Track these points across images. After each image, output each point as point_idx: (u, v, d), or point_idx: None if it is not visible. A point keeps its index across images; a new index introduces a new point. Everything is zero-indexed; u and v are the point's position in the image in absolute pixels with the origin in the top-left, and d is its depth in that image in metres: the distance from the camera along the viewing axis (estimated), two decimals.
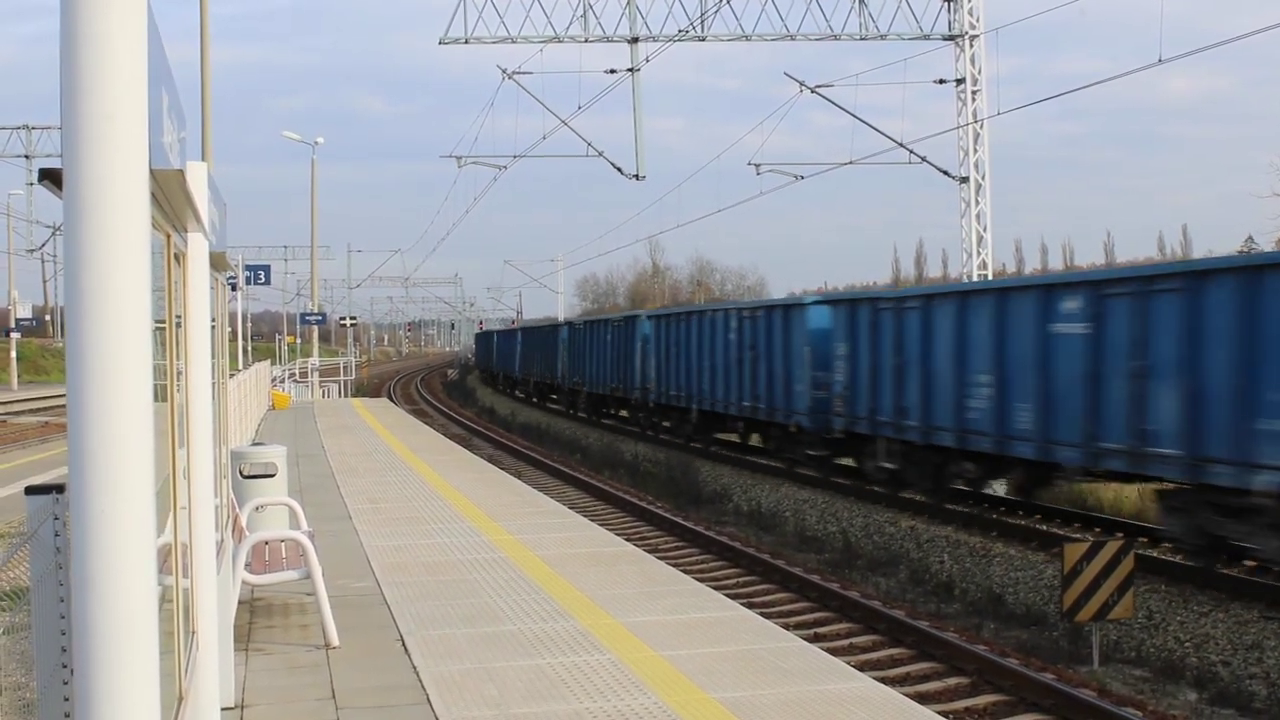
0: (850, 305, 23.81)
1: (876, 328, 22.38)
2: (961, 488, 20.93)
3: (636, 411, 38.68)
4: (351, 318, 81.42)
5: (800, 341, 25.47)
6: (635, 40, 35.12)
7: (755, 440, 30.46)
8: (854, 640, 13.55)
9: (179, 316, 5.03)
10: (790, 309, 26.71)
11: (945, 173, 35.06)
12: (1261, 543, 13.96)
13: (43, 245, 77.98)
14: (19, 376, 67.08)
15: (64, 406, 2.66)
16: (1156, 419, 15.24)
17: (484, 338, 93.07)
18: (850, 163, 35.03)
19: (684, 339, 32.95)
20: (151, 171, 2.70)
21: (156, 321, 3.81)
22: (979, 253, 34.80)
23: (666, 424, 35.27)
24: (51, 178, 2.92)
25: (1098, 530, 18.01)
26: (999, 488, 22.42)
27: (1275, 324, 13.49)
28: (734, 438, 31.48)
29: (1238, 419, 13.94)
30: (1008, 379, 18.46)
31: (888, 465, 22.14)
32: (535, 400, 58.65)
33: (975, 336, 19.34)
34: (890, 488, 22.19)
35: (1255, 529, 14.01)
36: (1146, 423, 15.38)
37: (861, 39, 35.57)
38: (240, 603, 9.54)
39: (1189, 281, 14.96)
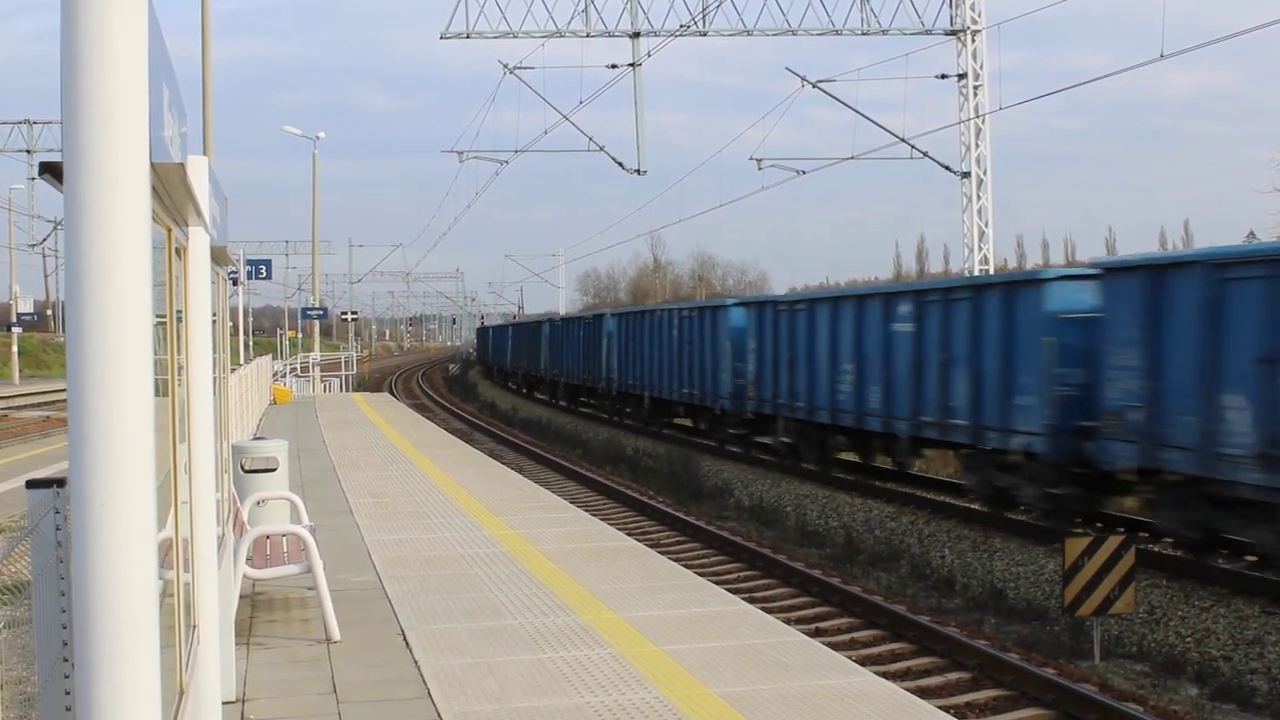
0: (759, 307, 28.62)
1: (776, 326, 27.02)
2: (850, 459, 25.47)
3: (603, 399, 43.18)
4: (353, 312, 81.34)
5: (724, 337, 30.05)
6: (637, 35, 35.10)
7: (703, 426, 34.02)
8: (855, 635, 13.55)
9: (180, 311, 5.03)
10: (716, 310, 31.46)
11: (947, 168, 35.05)
12: (1021, 491, 18.31)
13: (44, 240, 77.98)
14: (20, 371, 67.11)
15: (65, 401, 2.66)
16: (955, 397, 19.92)
17: (483, 333, 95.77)
18: (852, 158, 35.05)
19: (639, 335, 37.57)
20: (152, 165, 2.69)
21: (157, 316, 3.81)
22: (980, 248, 34.80)
23: (628, 410, 39.43)
24: (52, 171, 2.91)
25: (1099, 525, 18.02)
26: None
27: (1024, 326, 18.16)
28: (688, 422, 35.22)
29: (1002, 396, 18.59)
30: (864, 367, 23.04)
31: (785, 440, 26.61)
32: (525, 391, 61.67)
33: (843, 334, 23.96)
34: (791, 459, 26.42)
35: (1018, 480, 18.29)
36: (949, 400, 20.07)
37: (863, 34, 35.55)
38: (241, 597, 9.55)
39: (974, 293, 19.67)
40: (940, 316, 20.44)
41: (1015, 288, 18.80)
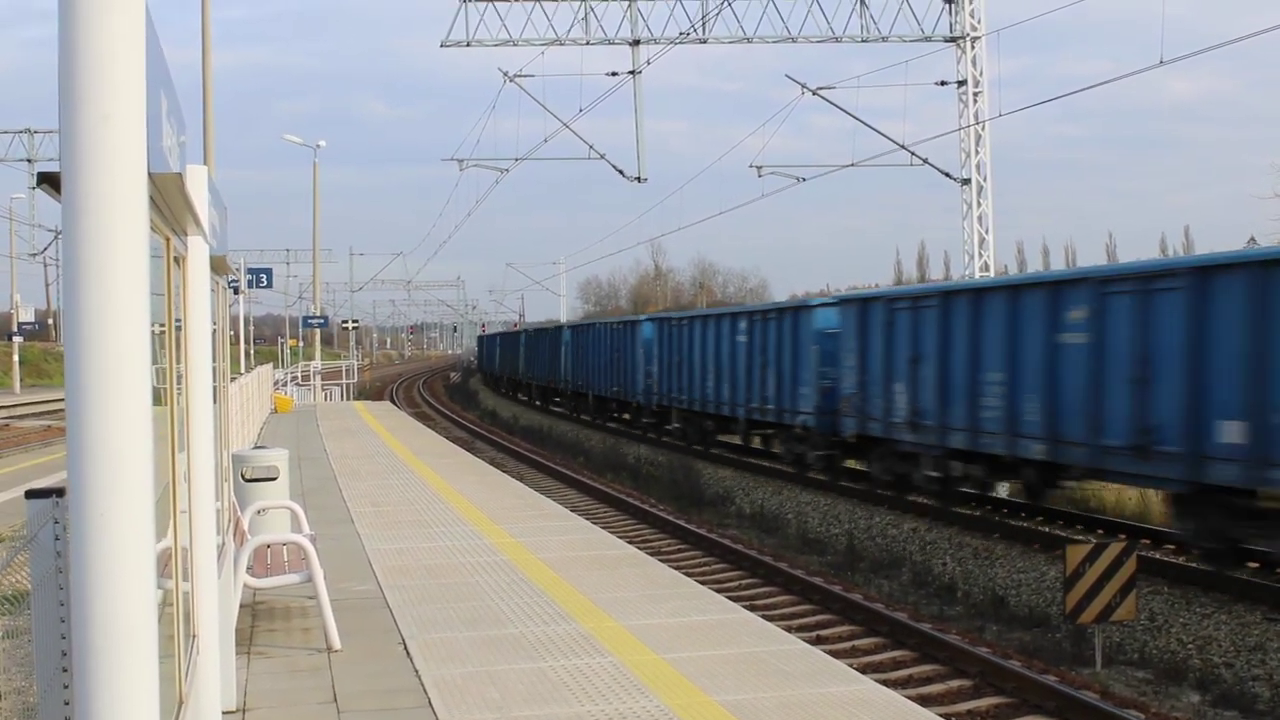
0: (659, 322, 36.95)
1: (671, 337, 34.61)
2: (731, 441, 32.18)
3: (562, 397, 51.77)
4: (354, 321, 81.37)
5: (639, 346, 37.86)
6: (637, 43, 35.12)
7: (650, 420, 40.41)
8: (856, 643, 13.53)
9: (179, 320, 5.03)
10: (634, 324, 39.35)
11: (947, 174, 35.05)
12: (807, 455, 25.32)
13: (45, 249, 78.10)
14: (21, 380, 67.16)
15: (65, 410, 2.66)
16: (768, 389, 27.29)
17: (482, 341, 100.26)
18: (852, 165, 35.03)
19: (586, 344, 45.77)
20: (150, 175, 2.69)
21: (156, 325, 3.81)
22: (980, 255, 34.80)
23: (581, 406, 47.28)
24: (50, 181, 2.92)
25: (1100, 532, 18.03)
26: (1001, 489, 22.41)
27: (803, 338, 25.64)
28: (627, 416, 41.68)
29: (793, 388, 26.00)
30: (720, 369, 30.56)
31: (678, 425, 34.30)
32: (510, 394, 67.66)
33: (708, 344, 31.59)
34: (684, 441, 33.63)
35: (805, 448, 25.39)
36: (765, 391, 27.43)
37: (863, 41, 35.55)
38: (242, 606, 9.54)
39: (778, 315, 27.29)
40: (761, 331, 27.87)
41: (799, 311, 26.61)
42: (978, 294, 19.51)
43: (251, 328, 78.71)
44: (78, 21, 2.54)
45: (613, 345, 41.43)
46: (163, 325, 4.33)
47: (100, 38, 2.54)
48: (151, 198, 2.94)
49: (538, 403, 57.71)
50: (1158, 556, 16.00)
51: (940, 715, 7.59)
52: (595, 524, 16.33)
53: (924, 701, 10.66)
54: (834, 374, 23.92)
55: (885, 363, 21.73)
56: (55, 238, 73.26)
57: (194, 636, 5.32)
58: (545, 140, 38.45)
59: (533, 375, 59.05)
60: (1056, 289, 17.37)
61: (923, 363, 20.55)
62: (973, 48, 34.59)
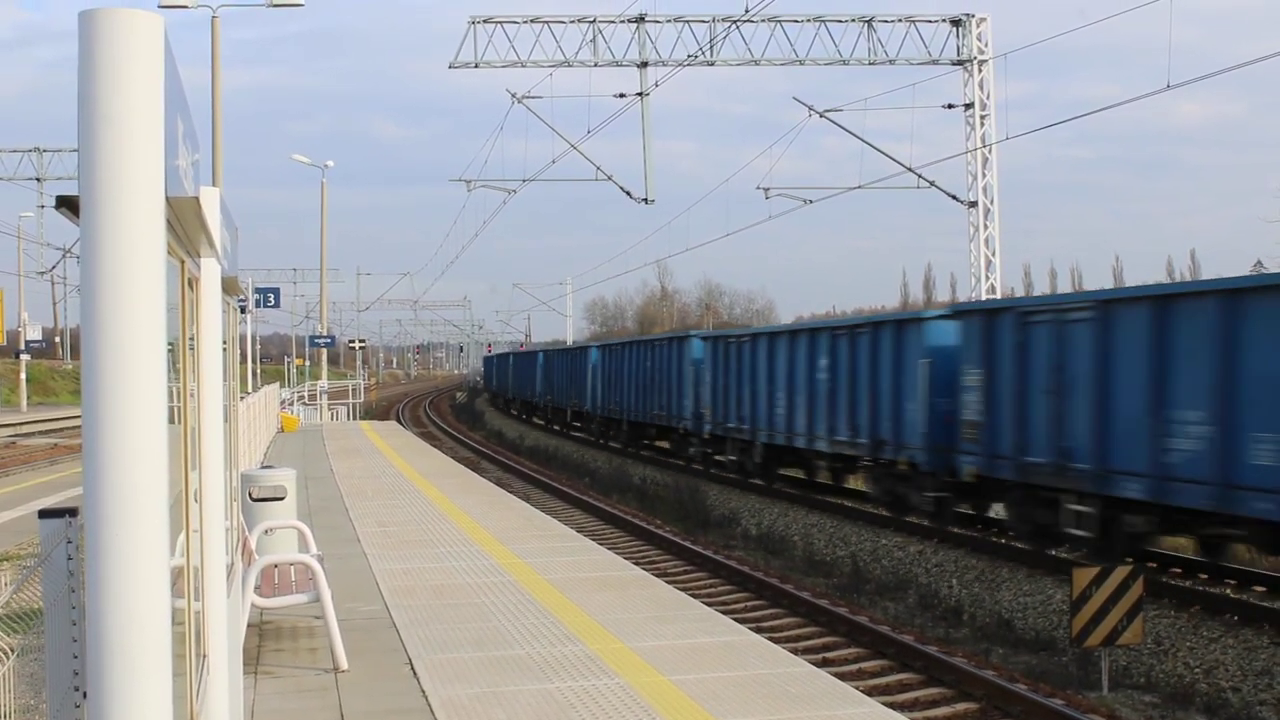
0: (546, 353, 58.56)
1: (557, 360, 53.32)
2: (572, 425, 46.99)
3: (506, 402, 74.77)
4: (360, 340, 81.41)
5: (539, 366, 58.33)
6: (645, 65, 35.22)
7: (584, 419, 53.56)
8: (862, 665, 13.51)
9: (191, 340, 5.05)
10: (535, 352, 62.51)
11: (954, 197, 35.11)
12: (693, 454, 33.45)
13: (53, 267, 78.14)
14: (28, 398, 67.24)
15: (73, 428, 2.69)
16: (619, 397, 40.13)
17: (488, 361, 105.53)
18: (859, 187, 35.15)
19: (518, 364, 68.96)
20: (167, 199, 2.72)
21: (170, 345, 3.83)
22: (988, 277, 34.82)
23: (514, 408, 70.58)
24: (69, 205, 2.95)
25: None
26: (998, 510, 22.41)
27: (664, 366, 34.99)
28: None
29: (642, 401, 36.91)
30: (611, 385, 42.71)
31: (591, 426, 47.20)
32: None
33: (578, 367, 47.45)
34: (598, 437, 45.93)
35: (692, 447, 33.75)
36: (612, 397, 39.93)
37: (871, 64, 35.66)
38: (249, 626, 9.56)
39: (634, 346, 39.77)
40: (606, 359, 40.70)
41: (652, 345, 38.04)
42: None
43: (258, 346, 78.75)
44: (97, 46, 2.57)
45: (530, 364, 65.05)
46: (175, 344, 4.35)
47: (119, 65, 2.57)
48: (168, 221, 2.97)
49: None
50: (1164, 580, 15.96)
51: None
52: (602, 545, 16.32)
53: None
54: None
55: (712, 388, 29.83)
56: (64, 256, 73.43)
57: (204, 656, 5.33)
58: (553, 161, 38.53)
59: (493, 387, 67.40)
60: None
61: None
62: (980, 71, 34.68)
